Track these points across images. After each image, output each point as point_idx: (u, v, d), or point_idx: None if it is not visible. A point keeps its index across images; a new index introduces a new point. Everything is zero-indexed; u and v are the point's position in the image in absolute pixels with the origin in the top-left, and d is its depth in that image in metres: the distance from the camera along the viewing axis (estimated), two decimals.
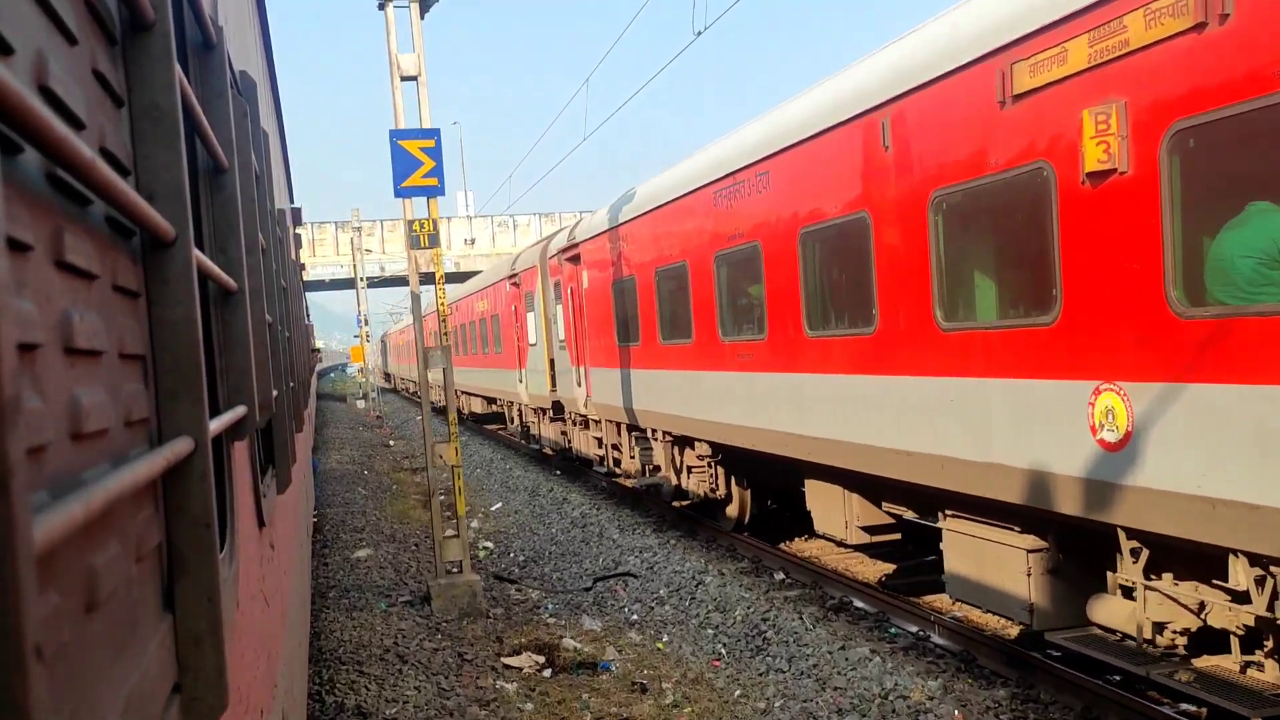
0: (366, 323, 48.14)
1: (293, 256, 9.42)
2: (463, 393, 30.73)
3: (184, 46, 2.43)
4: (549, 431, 20.18)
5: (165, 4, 1.62)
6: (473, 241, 53.20)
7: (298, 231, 12.70)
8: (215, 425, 2.00)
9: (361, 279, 45.88)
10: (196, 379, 1.66)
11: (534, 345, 19.24)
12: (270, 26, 7.74)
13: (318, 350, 43.07)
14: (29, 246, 1.06)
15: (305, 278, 23.98)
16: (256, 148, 3.76)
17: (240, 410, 2.53)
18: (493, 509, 16.68)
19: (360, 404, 50.03)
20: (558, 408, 18.58)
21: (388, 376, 74.82)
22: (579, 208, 58.99)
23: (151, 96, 1.63)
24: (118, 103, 1.58)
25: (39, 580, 0.86)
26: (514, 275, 20.67)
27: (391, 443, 29.64)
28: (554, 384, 18.13)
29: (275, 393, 3.83)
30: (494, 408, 28.57)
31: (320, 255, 51.37)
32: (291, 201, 14.20)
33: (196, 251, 1.76)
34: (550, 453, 21.34)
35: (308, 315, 21.42)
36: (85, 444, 1.23)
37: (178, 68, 1.69)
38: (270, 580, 3.70)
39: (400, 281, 57.40)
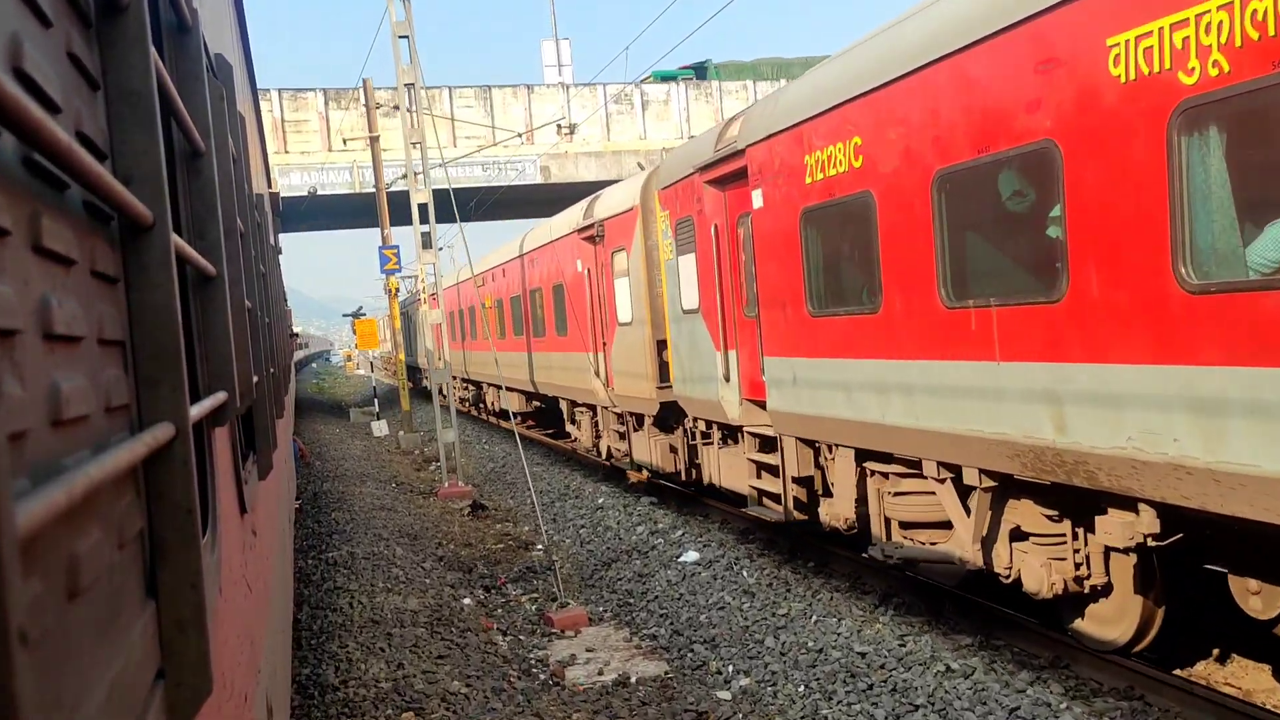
0: (433, 245, 17.81)
1: (272, 241, 9.36)
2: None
3: (159, 29, 2.41)
4: None
5: None
6: (570, 131, 29.98)
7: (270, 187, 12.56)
8: (196, 411, 2.00)
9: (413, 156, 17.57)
10: (176, 365, 1.66)
11: None
12: (245, 11, 7.65)
13: (297, 335, 37.80)
14: (6, 231, 1.05)
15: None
16: (233, 131, 3.72)
17: (221, 396, 2.52)
18: None
19: (379, 427, 26.05)
20: None
21: (413, 372, 36.98)
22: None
23: (127, 80, 1.61)
24: (94, 86, 1.56)
25: (22, 567, 0.86)
26: None
27: None
28: None
29: (256, 378, 3.82)
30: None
31: (298, 150, 27.61)
32: (269, 185, 14.06)
33: (175, 236, 1.75)
34: None
35: (284, 299, 20.11)
36: (66, 430, 1.22)
37: (153, 51, 1.67)
38: (253, 566, 3.70)
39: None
